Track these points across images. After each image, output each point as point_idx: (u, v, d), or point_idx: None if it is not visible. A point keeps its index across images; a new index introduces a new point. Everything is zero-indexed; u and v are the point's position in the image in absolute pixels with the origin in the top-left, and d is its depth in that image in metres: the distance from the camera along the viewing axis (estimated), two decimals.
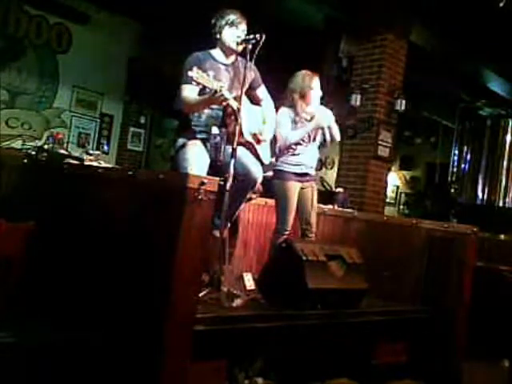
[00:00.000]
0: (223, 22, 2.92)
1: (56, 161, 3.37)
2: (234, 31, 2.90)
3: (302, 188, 3.34)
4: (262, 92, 3.20)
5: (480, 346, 3.53)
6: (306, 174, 3.35)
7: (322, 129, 3.38)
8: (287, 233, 3.32)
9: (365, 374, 2.91)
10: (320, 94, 3.41)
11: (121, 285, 2.23)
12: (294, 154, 3.33)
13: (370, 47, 5.99)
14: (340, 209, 4.42)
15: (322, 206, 4.15)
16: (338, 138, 3.44)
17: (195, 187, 2.03)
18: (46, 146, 3.98)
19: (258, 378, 2.53)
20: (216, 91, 2.63)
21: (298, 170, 3.32)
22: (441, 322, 3.23)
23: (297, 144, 3.33)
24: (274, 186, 3.36)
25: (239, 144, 2.81)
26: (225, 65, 2.98)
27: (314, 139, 3.40)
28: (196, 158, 2.87)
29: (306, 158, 3.36)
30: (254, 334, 2.46)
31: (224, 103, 2.79)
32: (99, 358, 2.17)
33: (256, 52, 2.76)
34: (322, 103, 3.46)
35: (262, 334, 2.49)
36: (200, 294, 2.36)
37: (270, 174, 3.86)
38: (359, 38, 6.11)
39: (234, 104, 2.79)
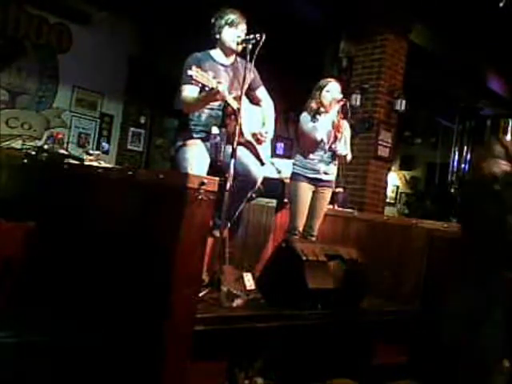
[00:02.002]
0: (223, 22, 2.92)
1: (56, 161, 3.37)
2: (233, 31, 2.90)
3: (314, 192, 3.44)
4: (261, 92, 3.21)
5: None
6: (318, 180, 3.45)
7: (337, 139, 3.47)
8: (297, 233, 3.39)
9: (365, 374, 2.91)
10: (338, 97, 3.46)
11: (121, 285, 2.23)
12: (307, 158, 3.47)
13: (369, 47, 5.99)
14: (340, 209, 4.43)
15: None
16: (343, 152, 3.51)
17: (195, 187, 2.03)
18: (45, 146, 3.98)
19: (258, 378, 2.53)
20: (213, 88, 2.63)
21: (310, 174, 3.44)
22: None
23: (315, 150, 3.44)
24: (288, 188, 3.56)
25: (239, 144, 2.81)
26: (224, 65, 2.98)
27: (330, 146, 3.47)
28: (196, 158, 2.88)
29: (320, 163, 3.47)
30: (254, 333, 2.46)
31: (223, 101, 2.80)
32: (99, 357, 2.17)
33: (256, 52, 2.76)
34: None
35: (262, 334, 2.49)
36: (200, 294, 2.36)
37: (273, 174, 3.93)
38: (359, 38, 6.11)
39: (234, 104, 2.79)
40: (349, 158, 3.58)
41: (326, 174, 3.48)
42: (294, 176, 3.49)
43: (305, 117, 3.47)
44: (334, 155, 3.50)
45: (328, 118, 3.46)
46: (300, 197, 3.44)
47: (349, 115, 3.56)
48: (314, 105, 3.48)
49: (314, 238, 3.49)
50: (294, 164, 3.54)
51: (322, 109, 3.46)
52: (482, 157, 2.76)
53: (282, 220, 3.88)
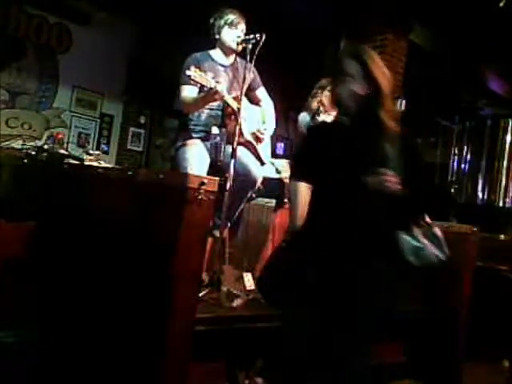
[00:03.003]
0: (222, 22, 2.92)
1: (56, 161, 3.37)
2: (233, 31, 2.90)
3: None
4: (261, 93, 3.21)
5: (480, 346, 3.53)
6: None
7: None
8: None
9: None
10: None
11: (121, 285, 2.22)
12: None
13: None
14: None
15: None
16: None
17: (195, 187, 2.02)
18: (46, 146, 3.98)
19: (258, 378, 2.53)
20: (212, 88, 2.64)
21: None
22: (441, 321, 3.23)
23: None
24: (289, 188, 3.47)
25: (239, 144, 2.81)
26: (224, 66, 2.98)
27: None
28: (196, 158, 2.88)
29: None
30: (254, 333, 2.46)
31: (222, 101, 2.80)
32: (99, 357, 2.17)
33: (256, 52, 2.76)
34: None
35: (261, 334, 2.49)
36: (200, 294, 2.36)
37: (273, 175, 3.93)
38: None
39: (234, 104, 2.79)
40: None
41: None
42: None
43: (304, 117, 3.45)
44: None
45: (327, 119, 3.45)
46: (300, 197, 3.41)
47: None
48: (314, 104, 3.46)
49: None
50: None
51: (321, 109, 3.45)
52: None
53: (281, 220, 3.87)
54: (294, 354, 1.78)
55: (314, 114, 3.44)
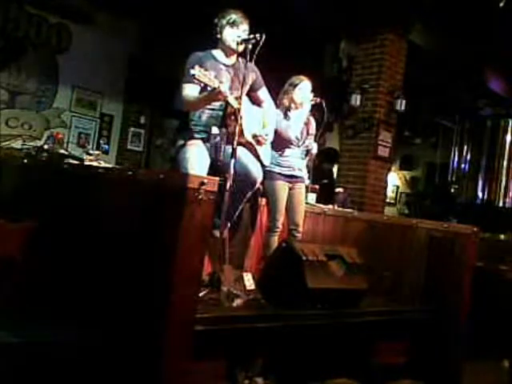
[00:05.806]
0: (224, 22, 2.92)
1: (56, 161, 3.37)
2: (234, 31, 2.90)
3: (290, 189, 3.46)
4: (263, 93, 3.21)
5: (480, 346, 3.53)
6: (293, 176, 3.48)
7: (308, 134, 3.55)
8: (278, 231, 3.42)
9: (364, 374, 2.90)
10: (310, 96, 3.52)
11: (121, 285, 2.23)
12: (282, 156, 3.48)
13: (370, 47, 5.99)
14: (340, 209, 4.43)
15: (321, 206, 4.17)
16: (314, 149, 3.60)
17: (195, 187, 2.02)
18: (45, 146, 3.98)
19: (258, 378, 2.53)
20: (215, 88, 2.64)
21: (286, 171, 3.47)
22: (441, 321, 3.23)
23: (286, 147, 3.47)
24: (264, 186, 3.49)
25: (239, 144, 2.81)
26: (226, 65, 2.98)
27: (304, 142, 3.53)
28: (196, 158, 2.88)
29: (294, 160, 3.51)
30: (254, 333, 2.46)
31: (224, 101, 2.80)
32: (99, 357, 2.17)
33: (256, 52, 2.76)
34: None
35: (261, 334, 2.49)
36: (200, 294, 2.36)
37: None
38: (359, 38, 6.11)
39: (235, 103, 2.79)
40: (314, 152, 3.61)
41: (299, 170, 3.52)
42: (270, 174, 3.42)
43: (277, 114, 3.47)
44: (306, 151, 3.54)
45: (300, 115, 3.51)
46: (278, 195, 3.44)
47: (325, 115, 3.58)
48: (285, 101, 3.52)
49: (299, 235, 3.49)
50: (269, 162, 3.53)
51: (292, 105, 3.51)
52: None
53: (262, 217, 3.86)
54: None
55: (286, 110, 3.50)
